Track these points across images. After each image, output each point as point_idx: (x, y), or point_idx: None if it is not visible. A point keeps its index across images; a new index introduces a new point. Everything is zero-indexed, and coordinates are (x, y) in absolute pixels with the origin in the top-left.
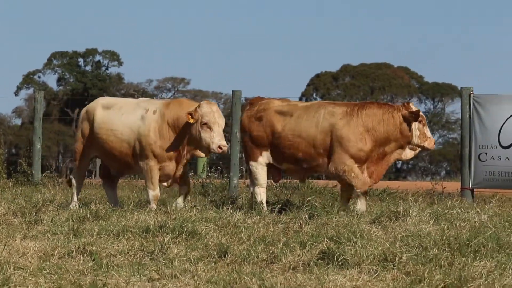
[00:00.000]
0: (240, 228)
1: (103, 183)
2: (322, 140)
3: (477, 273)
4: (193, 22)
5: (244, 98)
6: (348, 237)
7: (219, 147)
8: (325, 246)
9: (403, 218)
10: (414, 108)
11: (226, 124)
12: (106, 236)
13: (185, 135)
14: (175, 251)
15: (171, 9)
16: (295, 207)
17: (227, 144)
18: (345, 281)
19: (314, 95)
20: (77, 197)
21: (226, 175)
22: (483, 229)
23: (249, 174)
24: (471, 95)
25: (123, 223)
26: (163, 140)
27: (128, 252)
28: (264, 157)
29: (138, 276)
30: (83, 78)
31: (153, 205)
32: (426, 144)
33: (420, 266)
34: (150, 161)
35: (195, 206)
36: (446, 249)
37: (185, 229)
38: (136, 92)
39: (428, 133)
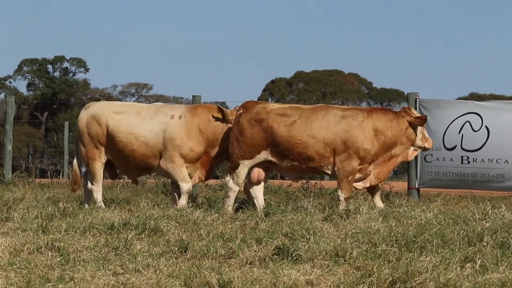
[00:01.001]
0: (200, 225)
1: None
2: (332, 140)
3: (423, 267)
4: (156, 30)
5: (204, 103)
6: (301, 234)
7: None
8: (280, 242)
9: (353, 216)
10: (415, 114)
11: None
12: (73, 232)
13: (212, 139)
14: (138, 247)
15: (135, 18)
16: (251, 205)
17: None
18: (299, 275)
19: (270, 100)
20: (100, 198)
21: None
22: (428, 226)
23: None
24: (417, 100)
25: (89, 221)
26: (190, 143)
27: (94, 248)
28: (262, 156)
29: (103, 270)
30: (52, 84)
31: (186, 199)
32: (427, 145)
33: (369, 261)
34: (177, 161)
35: (157, 204)
36: (394, 245)
37: (148, 226)
38: (101, 97)
39: (427, 134)
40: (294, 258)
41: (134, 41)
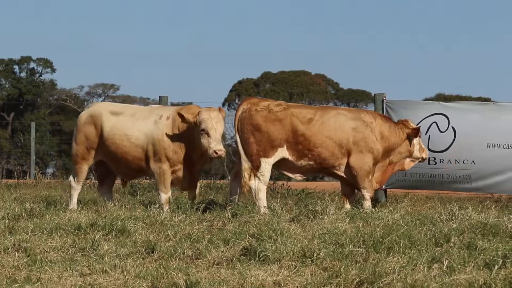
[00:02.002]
0: (167, 226)
1: (99, 187)
2: (347, 140)
3: (390, 268)
4: (122, 30)
5: (170, 103)
6: (269, 235)
7: (215, 152)
8: (247, 243)
9: (320, 217)
10: (412, 125)
11: None
12: (40, 233)
13: (194, 141)
14: (106, 247)
15: (101, 18)
16: (218, 206)
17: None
18: (266, 276)
19: (237, 101)
20: (76, 199)
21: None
22: (396, 227)
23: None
24: (384, 101)
25: (56, 221)
26: (175, 145)
27: (61, 249)
28: (279, 155)
29: (71, 271)
30: (18, 84)
31: (166, 209)
32: (424, 155)
33: (336, 262)
34: (163, 165)
35: (124, 205)
36: (361, 246)
37: (115, 226)
38: (68, 97)
39: (423, 145)
40: (262, 259)
41: (101, 42)
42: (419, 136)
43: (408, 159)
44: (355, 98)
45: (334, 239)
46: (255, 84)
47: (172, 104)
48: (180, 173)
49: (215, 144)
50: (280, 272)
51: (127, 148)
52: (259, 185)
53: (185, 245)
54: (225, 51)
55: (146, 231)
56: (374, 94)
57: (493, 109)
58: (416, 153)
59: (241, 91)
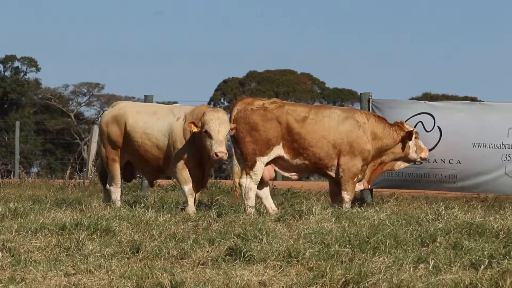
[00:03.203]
0: (152, 226)
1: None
2: (341, 140)
3: (376, 268)
4: (107, 29)
5: (156, 102)
6: (254, 234)
7: (216, 154)
8: (232, 242)
9: (306, 216)
10: (407, 127)
11: None
12: (24, 233)
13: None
14: (90, 247)
15: (86, 17)
16: (203, 205)
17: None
18: (251, 276)
19: (222, 100)
20: (119, 202)
21: (138, 175)
22: (381, 227)
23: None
24: (370, 100)
25: (41, 221)
26: (187, 146)
27: (45, 249)
28: (274, 153)
29: (55, 271)
30: (3, 83)
31: (191, 202)
32: (423, 155)
33: (322, 261)
34: (179, 164)
35: (109, 204)
36: (347, 245)
37: (100, 226)
38: (53, 96)
39: (422, 145)
40: (247, 259)
41: (86, 40)
42: (416, 138)
43: (401, 160)
44: (341, 98)
45: (320, 239)
46: (240, 83)
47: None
48: (193, 175)
49: (216, 146)
50: (265, 272)
51: (148, 147)
52: (250, 183)
53: (170, 245)
54: (211, 50)
55: (131, 231)
56: (360, 94)
57: (480, 109)
58: (412, 155)
59: (227, 90)
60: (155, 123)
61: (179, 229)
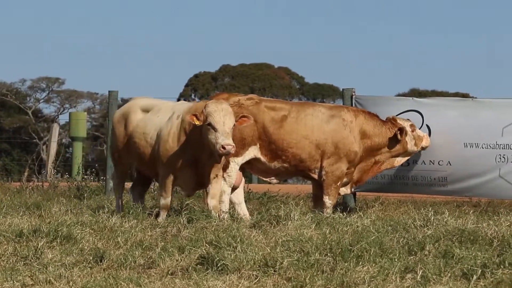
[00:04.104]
0: (117, 232)
1: (131, 189)
2: (324, 140)
3: (359, 278)
4: (67, 21)
5: (121, 99)
6: (227, 242)
7: (222, 146)
8: (204, 251)
9: (284, 222)
10: (400, 123)
11: (101, 126)
12: None
13: (201, 139)
14: (50, 256)
15: (44, 9)
16: (173, 211)
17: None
18: (224, 287)
19: (193, 96)
20: (121, 202)
21: (102, 177)
22: (365, 234)
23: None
24: (353, 96)
25: None
26: (180, 147)
27: (0, 257)
28: (250, 154)
29: (11, 281)
30: None
31: (163, 215)
32: (424, 144)
33: (301, 271)
34: (165, 168)
35: (70, 209)
36: (328, 254)
37: (60, 233)
38: (8, 92)
39: (421, 133)
40: (220, 268)
41: (44, 33)
42: (413, 130)
43: (401, 156)
44: (321, 94)
45: (299, 246)
46: (213, 77)
47: (123, 100)
48: (186, 176)
49: (222, 139)
50: (239, 283)
51: (144, 148)
52: (224, 186)
53: (137, 253)
54: (180, 42)
55: (94, 238)
56: (343, 89)
57: (472, 106)
58: (412, 148)
59: (198, 85)
60: (153, 122)
61: (146, 236)
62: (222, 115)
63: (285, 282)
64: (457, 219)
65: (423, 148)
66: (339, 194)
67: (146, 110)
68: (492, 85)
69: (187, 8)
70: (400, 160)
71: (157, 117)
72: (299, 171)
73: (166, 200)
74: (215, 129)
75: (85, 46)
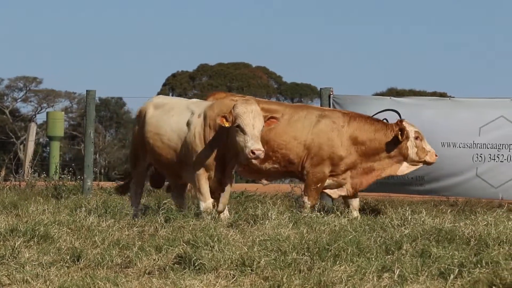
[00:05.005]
0: (94, 232)
1: (172, 193)
2: (311, 141)
3: (337, 278)
4: (45, 21)
5: (98, 98)
6: (205, 241)
7: (252, 151)
8: (181, 250)
9: (261, 222)
10: (407, 127)
11: (79, 125)
12: None
13: (226, 140)
14: (27, 255)
15: (21, 8)
16: (150, 210)
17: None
18: (202, 286)
19: (171, 95)
20: (137, 205)
21: (79, 177)
22: (343, 233)
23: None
24: (331, 96)
25: None
26: (207, 145)
27: None
28: None
29: None
30: None
31: (208, 218)
32: (427, 159)
33: (278, 270)
34: (198, 170)
35: (47, 209)
36: (306, 253)
37: (37, 232)
38: None
39: (428, 147)
40: (197, 268)
41: (21, 32)
42: (418, 138)
43: (404, 164)
44: (299, 93)
45: (276, 246)
46: (190, 77)
47: (100, 100)
48: (211, 178)
49: (252, 143)
50: (217, 282)
51: (160, 149)
52: None
53: (114, 252)
54: (159, 41)
55: (71, 237)
56: (320, 89)
57: (449, 105)
58: (413, 156)
59: (176, 84)
60: (167, 122)
61: (124, 236)
62: (251, 117)
63: (262, 281)
64: (434, 218)
65: (426, 163)
66: (330, 196)
67: (157, 108)
68: (469, 84)
69: (164, 7)
70: (404, 170)
71: (171, 116)
72: (289, 172)
73: (206, 203)
74: (244, 132)
75: (62, 45)
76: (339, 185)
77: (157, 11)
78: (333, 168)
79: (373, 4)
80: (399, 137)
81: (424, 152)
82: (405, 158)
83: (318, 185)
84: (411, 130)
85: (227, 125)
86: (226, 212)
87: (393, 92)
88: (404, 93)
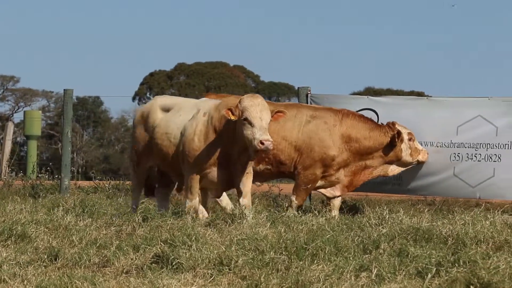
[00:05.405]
0: (71, 231)
1: (156, 192)
2: (302, 142)
3: (314, 277)
4: (22, 19)
5: (76, 97)
6: (182, 240)
7: (261, 142)
8: (159, 249)
9: (239, 221)
10: (400, 129)
11: (56, 124)
12: None
13: (233, 136)
14: (4, 254)
15: None
16: (129, 209)
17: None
18: (179, 286)
19: (148, 94)
20: (136, 206)
21: (57, 176)
22: (320, 232)
23: None
24: (309, 95)
25: None
26: (208, 145)
27: None
28: None
29: None
30: None
31: (193, 216)
32: (420, 158)
33: (256, 270)
34: (191, 168)
35: (25, 208)
36: (283, 252)
37: (15, 232)
38: None
39: (419, 146)
40: (175, 267)
41: None
42: (411, 139)
43: (394, 164)
44: (277, 92)
45: (254, 245)
46: (168, 76)
47: (78, 99)
48: (214, 176)
49: (260, 134)
50: (194, 281)
51: (167, 148)
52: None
53: (91, 251)
54: (136, 41)
55: (48, 237)
56: (298, 88)
57: (427, 105)
58: (406, 158)
59: (153, 84)
60: (175, 121)
61: (101, 235)
62: (258, 110)
63: (240, 280)
64: (412, 217)
65: (419, 162)
66: (325, 195)
67: (166, 109)
68: (447, 84)
69: (142, 6)
70: (394, 170)
71: (179, 115)
72: (282, 173)
73: (192, 202)
74: (251, 124)
75: (40, 44)
76: (332, 185)
77: (134, 11)
78: (325, 169)
79: (351, 4)
80: (396, 140)
81: (417, 152)
82: (398, 159)
83: (308, 186)
84: (404, 133)
85: (233, 118)
86: (205, 212)
87: (370, 91)
88: (381, 92)
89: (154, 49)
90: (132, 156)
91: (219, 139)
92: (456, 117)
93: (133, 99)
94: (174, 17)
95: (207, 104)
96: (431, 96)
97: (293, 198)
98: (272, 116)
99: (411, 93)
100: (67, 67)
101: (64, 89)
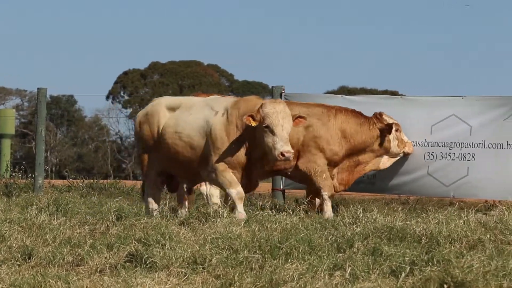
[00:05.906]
0: (45, 230)
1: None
2: (297, 140)
3: (288, 276)
4: None
5: (49, 96)
6: (156, 239)
7: (282, 153)
8: (133, 248)
9: (213, 220)
10: (387, 119)
11: (30, 123)
12: None
13: (253, 139)
14: None
15: None
16: (103, 207)
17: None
18: (153, 284)
19: (122, 93)
20: (155, 210)
21: (30, 175)
22: (294, 231)
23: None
24: (283, 94)
25: None
26: (230, 145)
27: None
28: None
29: None
30: None
31: (240, 208)
32: (406, 150)
33: (230, 268)
34: (220, 166)
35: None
36: (257, 251)
37: None
38: None
39: (405, 138)
40: (148, 266)
41: None
42: (398, 130)
43: (385, 157)
44: (251, 91)
45: (228, 244)
46: (142, 75)
47: (52, 97)
48: (237, 177)
49: (281, 145)
50: (168, 280)
51: (179, 147)
52: (211, 189)
53: (65, 250)
54: (110, 39)
55: (22, 235)
56: (272, 87)
57: (401, 104)
58: (394, 149)
59: (127, 82)
60: (187, 120)
61: (75, 234)
62: (280, 118)
63: (213, 279)
64: (385, 216)
65: (405, 154)
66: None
67: (172, 109)
68: (421, 83)
69: (116, 4)
70: (385, 163)
71: (189, 114)
72: (276, 171)
73: (237, 189)
74: (273, 133)
75: (13, 42)
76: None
77: (108, 9)
78: (328, 162)
79: (324, 3)
80: (386, 132)
81: (403, 143)
82: (387, 151)
83: (324, 176)
84: (392, 124)
85: (253, 124)
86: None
87: (344, 91)
88: (355, 91)
89: (127, 48)
90: (142, 161)
91: (240, 138)
92: (430, 116)
93: (107, 98)
94: (149, 16)
95: (223, 102)
96: (405, 95)
97: (323, 193)
98: (293, 121)
99: (385, 92)
100: (41, 66)
101: (38, 88)
